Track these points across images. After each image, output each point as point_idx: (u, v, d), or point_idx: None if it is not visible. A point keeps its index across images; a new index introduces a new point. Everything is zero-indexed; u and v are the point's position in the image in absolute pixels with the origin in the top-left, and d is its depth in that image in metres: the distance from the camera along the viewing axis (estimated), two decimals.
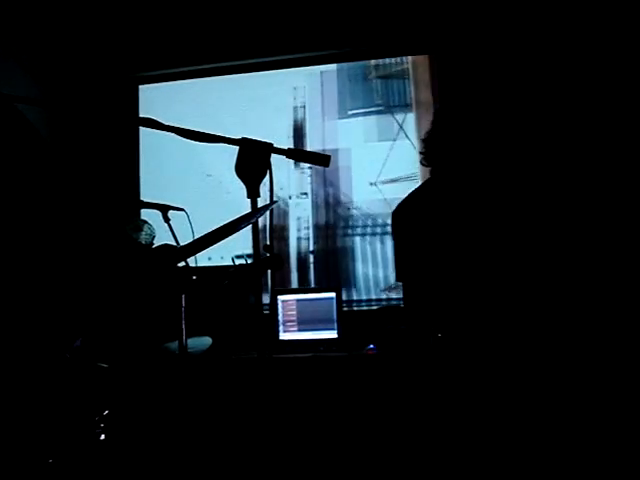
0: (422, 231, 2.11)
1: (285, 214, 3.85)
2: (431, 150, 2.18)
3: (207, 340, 2.31)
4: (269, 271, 2.26)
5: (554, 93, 3.41)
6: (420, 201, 2.19)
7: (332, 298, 3.41)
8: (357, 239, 3.77)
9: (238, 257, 2.29)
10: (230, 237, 1.63)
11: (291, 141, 3.93)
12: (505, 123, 2.80)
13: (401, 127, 3.80)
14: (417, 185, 2.31)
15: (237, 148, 1.45)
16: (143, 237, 2.63)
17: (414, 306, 2.14)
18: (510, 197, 2.23)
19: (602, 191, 3.22)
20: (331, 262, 3.78)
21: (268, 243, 1.64)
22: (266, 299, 3.37)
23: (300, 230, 3.84)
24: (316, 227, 3.82)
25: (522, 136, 3.28)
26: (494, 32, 3.55)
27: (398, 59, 3.88)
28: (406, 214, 2.19)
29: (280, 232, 3.83)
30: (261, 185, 1.45)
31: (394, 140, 3.80)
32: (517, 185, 2.44)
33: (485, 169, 2.12)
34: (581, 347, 2.49)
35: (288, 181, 3.87)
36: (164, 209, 2.50)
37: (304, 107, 3.95)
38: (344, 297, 3.59)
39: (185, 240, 1.96)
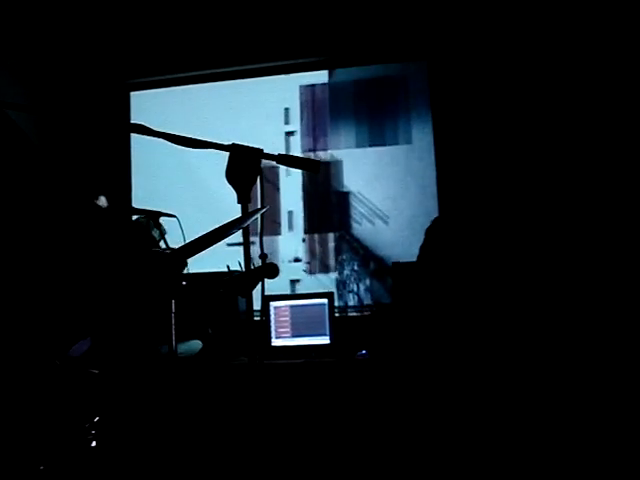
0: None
1: None
2: None
3: (197, 344, 2.31)
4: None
5: (554, 107, 3.42)
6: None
7: (324, 304, 3.41)
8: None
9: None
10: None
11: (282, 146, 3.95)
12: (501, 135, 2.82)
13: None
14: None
15: (227, 154, 1.46)
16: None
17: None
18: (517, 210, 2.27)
19: (604, 206, 3.25)
20: None
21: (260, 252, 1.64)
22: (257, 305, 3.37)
23: None
24: None
25: (521, 147, 3.31)
26: (491, 39, 3.56)
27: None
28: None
29: None
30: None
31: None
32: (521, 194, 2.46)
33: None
34: (579, 348, 2.51)
35: None
36: (155, 216, 2.50)
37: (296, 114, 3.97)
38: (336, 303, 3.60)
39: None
